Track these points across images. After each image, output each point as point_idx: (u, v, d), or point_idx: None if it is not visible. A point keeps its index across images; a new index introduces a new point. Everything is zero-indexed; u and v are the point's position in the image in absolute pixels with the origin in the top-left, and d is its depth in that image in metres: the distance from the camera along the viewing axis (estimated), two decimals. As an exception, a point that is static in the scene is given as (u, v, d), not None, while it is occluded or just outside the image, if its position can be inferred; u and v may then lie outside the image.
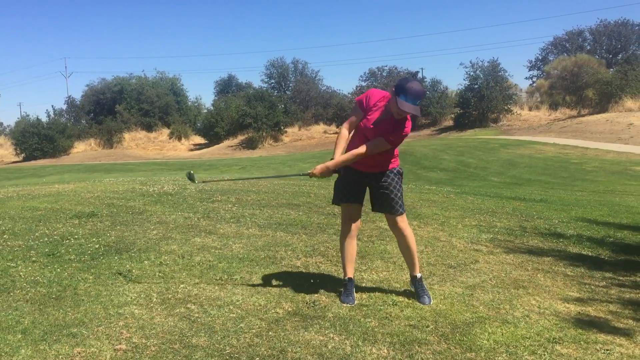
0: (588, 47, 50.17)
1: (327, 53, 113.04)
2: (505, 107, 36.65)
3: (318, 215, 6.67)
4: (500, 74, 37.35)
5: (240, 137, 43.26)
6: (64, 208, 6.80)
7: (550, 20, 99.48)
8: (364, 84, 56.80)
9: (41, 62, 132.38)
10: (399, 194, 3.94)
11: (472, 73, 37.65)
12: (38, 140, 43.85)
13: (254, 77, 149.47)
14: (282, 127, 42.92)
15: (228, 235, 5.58)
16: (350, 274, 3.99)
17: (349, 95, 52.43)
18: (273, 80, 54.97)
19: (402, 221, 3.96)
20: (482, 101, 35.77)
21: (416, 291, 3.95)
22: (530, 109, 39.26)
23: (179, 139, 46.97)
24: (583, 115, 34.88)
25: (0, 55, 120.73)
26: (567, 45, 50.25)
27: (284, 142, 42.55)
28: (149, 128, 48.87)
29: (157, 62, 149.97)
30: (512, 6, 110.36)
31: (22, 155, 45.02)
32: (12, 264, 4.58)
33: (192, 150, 44.46)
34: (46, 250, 4.97)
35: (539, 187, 16.12)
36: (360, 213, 4.06)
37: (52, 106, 67.18)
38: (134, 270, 4.43)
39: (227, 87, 56.89)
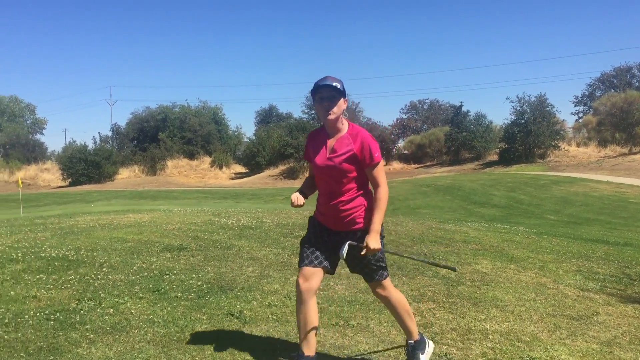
0: (637, 84, 49.15)
1: (367, 85, 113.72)
2: (553, 143, 35.93)
3: (409, 255, 6.45)
4: (547, 109, 36.76)
5: (281, 167, 43.45)
6: (151, 240, 6.76)
7: (596, 56, 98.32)
8: (404, 116, 56.95)
9: (87, 90, 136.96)
10: (377, 258, 3.20)
11: (518, 108, 37.17)
12: (84, 166, 44.86)
13: (294, 107, 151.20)
14: (323, 159, 42.93)
15: (326, 276, 5.40)
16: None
17: (389, 128, 52.48)
18: (313, 112, 55.39)
19: (385, 289, 3.28)
20: (529, 136, 35.15)
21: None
22: (578, 145, 38.43)
23: (220, 167, 47.48)
24: (635, 153, 33.93)
25: (48, 83, 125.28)
26: (615, 82, 49.36)
27: (325, 173, 42.51)
28: (191, 156, 49.60)
29: (199, 91, 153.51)
30: (557, 41, 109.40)
31: (69, 180, 46.10)
32: (120, 300, 4.50)
33: (233, 179, 44.82)
34: (150, 285, 4.88)
35: (601, 227, 15.56)
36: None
37: (99, 133, 68.95)
38: (245, 312, 4.30)
39: (267, 117, 57.53)
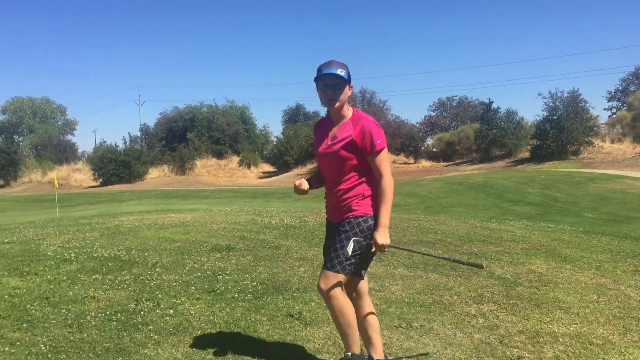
0: (672, 77, 47.82)
1: (395, 82, 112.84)
2: (586, 140, 35.15)
3: (460, 254, 6.33)
4: (580, 104, 35.98)
5: (309, 166, 43.45)
6: (198, 240, 6.76)
7: (630, 50, 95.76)
8: (432, 113, 56.37)
9: (116, 91, 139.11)
10: (344, 251, 2.91)
11: (550, 104, 36.45)
12: (115, 166, 45.48)
13: (320, 106, 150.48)
14: (351, 157, 42.78)
15: (380, 275, 5.34)
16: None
17: (417, 125, 52.03)
18: (341, 110, 55.25)
19: (328, 280, 2.94)
20: (562, 133, 34.43)
21: None
22: (612, 142, 37.53)
23: (249, 166, 47.69)
24: (672, 149, 33.04)
25: (78, 85, 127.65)
26: (650, 76, 48.09)
27: (353, 172, 42.36)
28: (219, 155, 49.93)
29: (227, 91, 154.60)
30: (590, 35, 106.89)
31: (100, 180, 46.81)
32: (177, 301, 4.49)
33: (261, 178, 44.98)
34: (205, 286, 4.87)
35: (642, 225, 15.15)
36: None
37: (129, 133, 69.99)
38: (304, 313, 4.24)
39: (294, 115, 57.55)
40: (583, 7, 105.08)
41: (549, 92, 37.73)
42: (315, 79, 2.95)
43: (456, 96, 56.32)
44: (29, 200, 38.33)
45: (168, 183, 44.29)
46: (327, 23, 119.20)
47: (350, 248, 2.88)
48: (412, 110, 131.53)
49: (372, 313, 3.18)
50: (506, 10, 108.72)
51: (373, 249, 2.94)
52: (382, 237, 2.88)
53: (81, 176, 50.60)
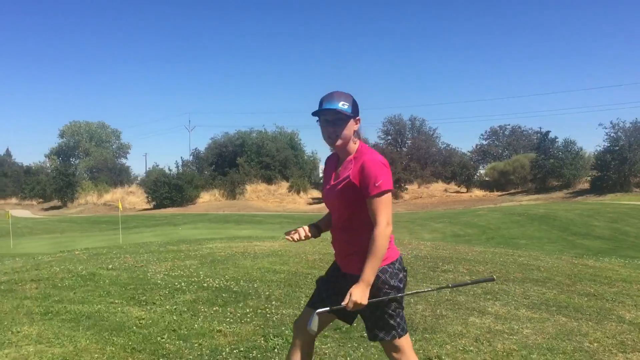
0: None
1: (445, 110, 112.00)
2: (650, 171, 33.95)
3: (578, 295, 6.02)
4: (643, 135, 34.86)
5: (359, 193, 43.27)
6: (300, 271, 6.67)
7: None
8: (484, 142, 55.63)
9: (167, 116, 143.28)
10: (388, 311, 2.61)
11: (612, 134, 35.44)
12: (168, 190, 46.35)
13: (370, 133, 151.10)
14: (402, 184, 42.46)
15: (504, 317, 5.09)
16: None
17: (468, 154, 51.35)
18: (390, 137, 55.14)
19: (396, 352, 2.66)
20: (624, 164, 33.33)
21: None
22: (677, 174, 36.07)
23: (298, 192, 47.86)
24: None
25: (131, 110, 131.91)
26: None
27: (404, 199, 41.98)
28: (269, 181, 50.35)
29: (275, 117, 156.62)
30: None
31: (153, 203, 47.75)
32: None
33: (311, 203, 45.03)
34: (331, 324, 4.72)
35: None
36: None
37: (181, 157, 71.58)
38: (443, 357, 4.04)
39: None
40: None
41: (610, 122, 36.73)
42: (314, 113, 2.64)
43: (509, 125, 55.53)
44: (87, 222, 39.44)
45: (219, 207, 44.82)
46: (378, 51, 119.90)
47: (313, 325, 2.56)
48: (462, 138, 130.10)
49: None
50: (564, 37, 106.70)
51: (345, 304, 2.51)
52: (360, 295, 2.47)
53: (135, 199, 51.79)
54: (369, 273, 2.48)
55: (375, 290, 2.55)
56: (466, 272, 6.95)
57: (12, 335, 4.37)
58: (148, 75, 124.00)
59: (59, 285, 5.99)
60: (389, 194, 2.54)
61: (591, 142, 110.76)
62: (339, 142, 2.62)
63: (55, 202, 55.80)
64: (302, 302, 5.36)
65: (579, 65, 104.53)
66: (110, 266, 7.00)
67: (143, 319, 4.79)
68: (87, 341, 4.24)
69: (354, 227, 2.62)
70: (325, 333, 4.50)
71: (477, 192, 42.20)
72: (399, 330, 2.65)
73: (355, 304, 2.47)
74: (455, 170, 44.76)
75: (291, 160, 53.09)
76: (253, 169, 51.18)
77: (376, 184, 2.49)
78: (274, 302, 5.29)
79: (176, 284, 5.94)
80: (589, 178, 36.46)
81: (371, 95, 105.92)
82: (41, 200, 58.32)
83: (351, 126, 2.62)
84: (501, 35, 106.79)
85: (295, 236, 2.82)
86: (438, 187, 44.72)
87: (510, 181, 41.76)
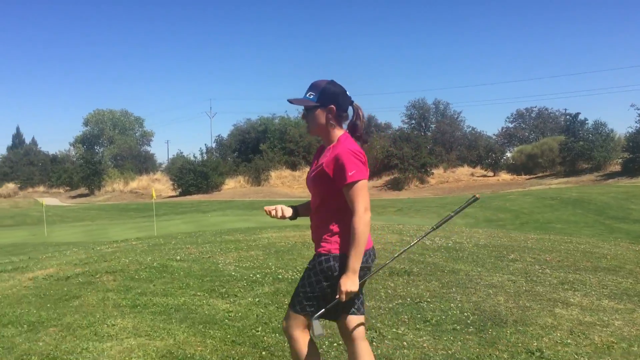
0: None
1: (470, 93, 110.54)
2: (684, 153, 33.24)
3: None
4: (678, 116, 34.10)
5: (385, 178, 43.15)
6: (368, 262, 6.65)
7: None
8: (510, 125, 54.94)
9: (188, 103, 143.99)
10: (313, 291, 2.64)
11: (644, 115, 34.71)
12: (194, 177, 46.67)
13: (392, 117, 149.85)
14: (428, 169, 42.19)
15: (589, 308, 5.04)
16: None
17: (494, 137, 50.77)
18: (414, 121, 54.73)
19: (289, 319, 2.73)
20: (657, 145, 32.71)
21: None
22: None
23: (323, 178, 47.83)
24: None
25: (152, 97, 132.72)
26: None
27: (430, 184, 41.75)
28: (293, 167, 50.38)
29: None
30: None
31: (179, 190, 48.15)
32: (398, 331, 4.37)
33: (336, 189, 44.98)
34: (417, 315, 4.73)
35: None
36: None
37: (205, 145, 71.97)
38: (544, 350, 4.01)
39: (366, 127, 56.70)
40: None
41: (643, 103, 35.90)
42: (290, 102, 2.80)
43: (535, 107, 54.69)
44: (115, 210, 39.97)
45: (244, 194, 45.02)
46: (401, 34, 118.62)
47: (316, 332, 2.58)
48: (488, 121, 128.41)
49: None
50: (592, 15, 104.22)
51: (337, 297, 2.56)
52: (349, 283, 2.51)
53: (160, 186, 52.22)
54: (354, 261, 2.52)
55: (322, 274, 2.61)
56: (534, 261, 6.90)
57: (108, 328, 4.44)
58: (169, 63, 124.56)
59: (136, 277, 6.07)
60: (364, 182, 2.58)
61: (622, 123, 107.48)
62: (310, 131, 2.76)
63: (82, 190, 56.52)
64: (382, 294, 5.36)
65: (608, 45, 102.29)
66: (178, 257, 7.07)
67: (231, 311, 4.83)
68: (185, 334, 4.30)
69: (325, 212, 2.67)
70: (416, 325, 4.50)
71: (505, 176, 41.77)
72: (308, 308, 2.66)
73: (347, 292, 2.52)
74: (481, 153, 44.30)
75: (315, 146, 52.88)
76: (277, 155, 51.22)
77: (350, 174, 2.53)
78: (355, 294, 5.29)
79: (251, 275, 5.98)
80: (620, 160, 35.84)
81: (394, 79, 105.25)
82: (68, 188, 59.12)
83: (320, 115, 2.69)
84: (526, 15, 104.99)
85: (273, 212, 2.86)
86: (464, 171, 44.33)
87: (539, 164, 41.24)
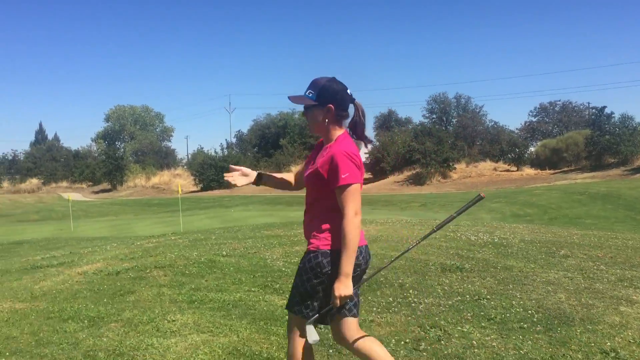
0: None
1: (492, 87, 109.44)
2: None
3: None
4: None
5: (407, 173, 42.92)
6: (417, 257, 6.56)
7: None
8: (534, 119, 54.24)
9: (207, 99, 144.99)
10: (305, 288, 2.60)
11: (673, 108, 34.02)
12: (215, 172, 46.91)
13: (413, 112, 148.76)
14: (450, 163, 41.87)
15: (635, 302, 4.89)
16: None
17: (517, 131, 50.19)
18: (434, 116, 54.33)
19: (291, 320, 2.71)
20: (687, 139, 32.06)
21: None
22: None
23: (344, 173, 47.74)
24: None
25: (172, 93, 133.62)
26: None
27: (453, 179, 41.43)
28: (312, 161, 50.36)
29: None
30: None
31: (200, 185, 48.45)
32: (463, 329, 4.28)
33: (357, 184, 44.85)
34: (480, 312, 4.63)
35: None
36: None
37: (226, 140, 72.19)
38: (619, 350, 3.89)
39: (386, 121, 57.14)
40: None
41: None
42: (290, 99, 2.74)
43: (559, 100, 53.90)
44: (138, 205, 40.32)
45: (266, 189, 44.82)
46: (423, 28, 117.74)
47: (311, 337, 2.54)
48: (510, 115, 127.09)
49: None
50: (617, 7, 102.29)
51: (332, 302, 2.52)
52: (342, 287, 2.46)
53: (182, 181, 52.58)
54: (346, 264, 2.47)
55: (311, 271, 2.57)
56: (586, 258, 6.75)
57: (170, 324, 4.42)
58: (188, 59, 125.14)
59: (186, 272, 6.05)
60: (356, 185, 2.50)
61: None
62: (311, 129, 2.75)
63: (105, 185, 57.16)
64: (439, 290, 5.27)
65: (634, 37, 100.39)
66: (224, 252, 7.04)
67: (289, 308, 4.77)
68: (247, 331, 4.25)
69: (317, 210, 2.65)
70: (481, 324, 4.41)
71: (528, 171, 41.29)
72: (305, 311, 2.62)
73: (341, 297, 2.48)
74: (504, 148, 43.83)
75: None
76: (297, 150, 51.24)
77: (342, 176, 2.49)
78: (410, 291, 5.22)
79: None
80: (647, 154, 35.28)
81: (415, 73, 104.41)
82: (90, 183, 59.83)
83: (318, 114, 2.64)
84: (549, 7, 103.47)
85: (232, 180, 2.97)
86: (487, 165, 43.90)
87: (563, 159, 40.70)
